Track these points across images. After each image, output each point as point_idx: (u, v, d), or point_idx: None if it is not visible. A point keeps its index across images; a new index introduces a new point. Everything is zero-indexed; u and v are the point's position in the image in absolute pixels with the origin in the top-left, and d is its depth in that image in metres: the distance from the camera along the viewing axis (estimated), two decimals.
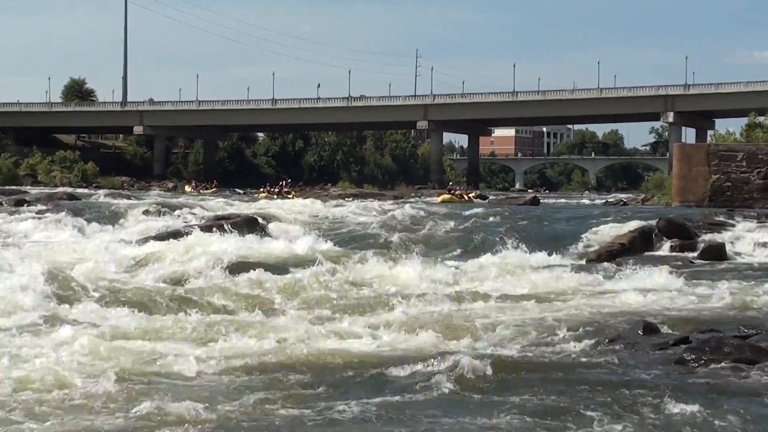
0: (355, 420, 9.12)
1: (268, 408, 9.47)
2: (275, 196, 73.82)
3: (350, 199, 61.86)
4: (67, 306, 15.46)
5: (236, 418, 9.14)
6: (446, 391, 10.14)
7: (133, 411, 9.21)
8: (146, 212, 37.15)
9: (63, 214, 34.55)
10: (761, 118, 59.12)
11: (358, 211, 38.65)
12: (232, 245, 24.21)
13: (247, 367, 11.35)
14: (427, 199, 73.84)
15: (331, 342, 12.92)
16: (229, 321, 14.32)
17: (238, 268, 20.22)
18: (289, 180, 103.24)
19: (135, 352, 11.88)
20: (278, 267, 20.77)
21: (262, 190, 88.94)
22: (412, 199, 65.67)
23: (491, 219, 34.87)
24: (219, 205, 43.77)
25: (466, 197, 71.78)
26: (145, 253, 23.30)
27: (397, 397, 9.88)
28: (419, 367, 11.11)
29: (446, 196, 69.67)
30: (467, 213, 36.37)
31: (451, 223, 32.97)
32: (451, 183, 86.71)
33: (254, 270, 19.48)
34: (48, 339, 12.57)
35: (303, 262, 21.36)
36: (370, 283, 19.31)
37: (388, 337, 13.24)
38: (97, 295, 16.62)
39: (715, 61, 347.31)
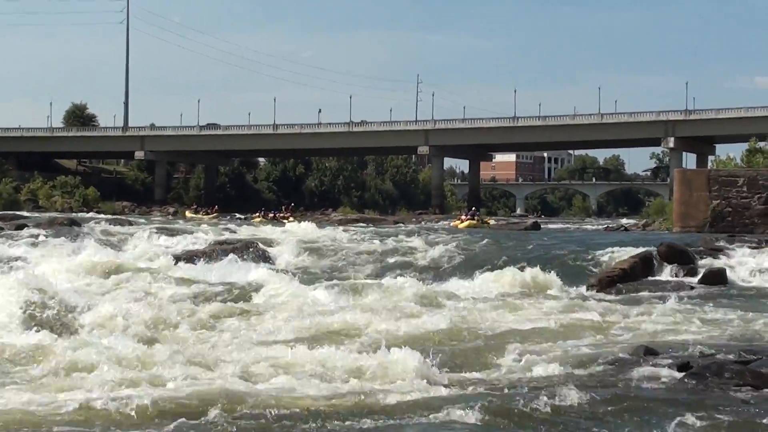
0: None
1: None
2: (265, 221, 73.74)
3: (364, 225, 61.56)
4: None
5: None
6: (444, 417, 10.12)
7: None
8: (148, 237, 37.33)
9: (63, 239, 34.66)
10: (762, 144, 59.18)
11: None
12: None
13: None
14: (444, 223, 74.99)
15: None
16: None
17: None
18: (291, 204, 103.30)
19: None
20: None
21: (257, 215, 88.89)
22: (431, 226, 65.12)
23: (488, 244, 35.05)
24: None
25: (486, 222, 73.98)
26: None
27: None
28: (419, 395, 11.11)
29: (472, 222, 70.62)
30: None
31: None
32: (474, 208, 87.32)
33: None
34: None
35: None
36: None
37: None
38: None
39: (715, 86, 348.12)
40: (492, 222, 78.68)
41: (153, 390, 10.76)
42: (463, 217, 76.85)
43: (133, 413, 9.89)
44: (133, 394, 10.50)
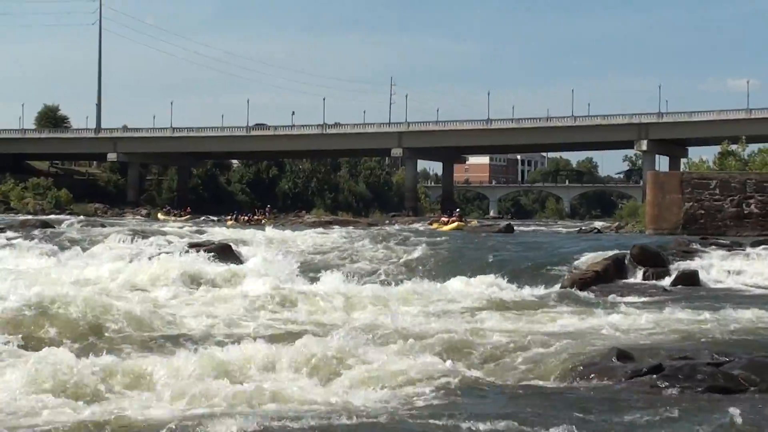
0: None
1: None
2: (237, 225, 73.22)
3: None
4: None
5: None
6: (419, 415, 10.08)
7: None
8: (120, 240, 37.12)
9: (35, 241, 34.52)
10: (734, 146, 59.46)
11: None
12: None
13: None
14: (417, 225, 74.09)
15: None
16: None
17: None
18: (268, 206, 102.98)
19: None
20: None
21: (229, 218, 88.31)
22: (409, 229, 64.16)
23: (459, 247, 35.05)
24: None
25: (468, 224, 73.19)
26: None
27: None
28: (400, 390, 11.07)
29: (461, 224, 69.37)
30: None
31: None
32: (458, 210, 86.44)
33: None
34: None
35: None
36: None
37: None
38: None
39: (688, 89, 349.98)
40: (475, 223, 78.13)
41: None
42: (444, 218, 75.55)
43: None
44: None
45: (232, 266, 26.93)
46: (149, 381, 11.63)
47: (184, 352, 13.43)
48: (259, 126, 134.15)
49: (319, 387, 11.77)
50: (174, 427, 9.39)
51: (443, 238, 40.83)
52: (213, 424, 9.40)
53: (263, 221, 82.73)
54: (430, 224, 74.43)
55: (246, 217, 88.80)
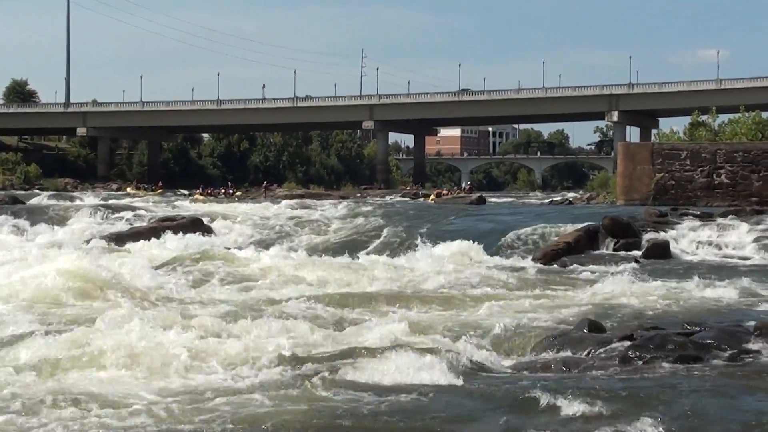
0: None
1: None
2: (203, 198, 72.84)
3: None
4: None
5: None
6: (393, 393, 10.07)
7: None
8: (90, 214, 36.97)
9: (5, 216, 34.34)
10: (704, 117, 59.55)
11: None
12: None
13: None
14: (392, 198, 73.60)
15: None
16: None
17: None
18: (265, 182, 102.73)
19: None
20: None
21: (198, 192, 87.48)
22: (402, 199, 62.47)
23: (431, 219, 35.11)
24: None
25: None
26: None
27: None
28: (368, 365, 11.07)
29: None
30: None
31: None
32: (468, 183, 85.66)
33: None
34: None
35: None
36: None
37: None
38: None
39: (658, 60, 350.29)
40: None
41: None
42: (443, 191, 74.76)
43: None
44: None
45: None
46: None
47: None
48: (465, 92, 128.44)
49: None
50: None
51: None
52: None
53: (235, 195, 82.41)
54: (422, 197, 72.94)
55: (211, 190, 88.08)
